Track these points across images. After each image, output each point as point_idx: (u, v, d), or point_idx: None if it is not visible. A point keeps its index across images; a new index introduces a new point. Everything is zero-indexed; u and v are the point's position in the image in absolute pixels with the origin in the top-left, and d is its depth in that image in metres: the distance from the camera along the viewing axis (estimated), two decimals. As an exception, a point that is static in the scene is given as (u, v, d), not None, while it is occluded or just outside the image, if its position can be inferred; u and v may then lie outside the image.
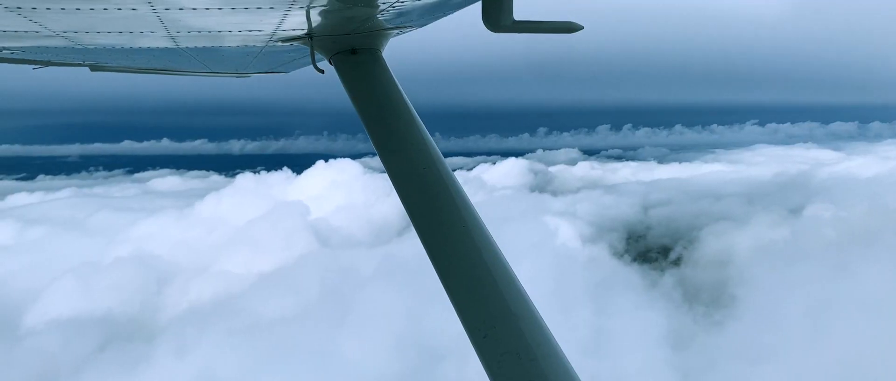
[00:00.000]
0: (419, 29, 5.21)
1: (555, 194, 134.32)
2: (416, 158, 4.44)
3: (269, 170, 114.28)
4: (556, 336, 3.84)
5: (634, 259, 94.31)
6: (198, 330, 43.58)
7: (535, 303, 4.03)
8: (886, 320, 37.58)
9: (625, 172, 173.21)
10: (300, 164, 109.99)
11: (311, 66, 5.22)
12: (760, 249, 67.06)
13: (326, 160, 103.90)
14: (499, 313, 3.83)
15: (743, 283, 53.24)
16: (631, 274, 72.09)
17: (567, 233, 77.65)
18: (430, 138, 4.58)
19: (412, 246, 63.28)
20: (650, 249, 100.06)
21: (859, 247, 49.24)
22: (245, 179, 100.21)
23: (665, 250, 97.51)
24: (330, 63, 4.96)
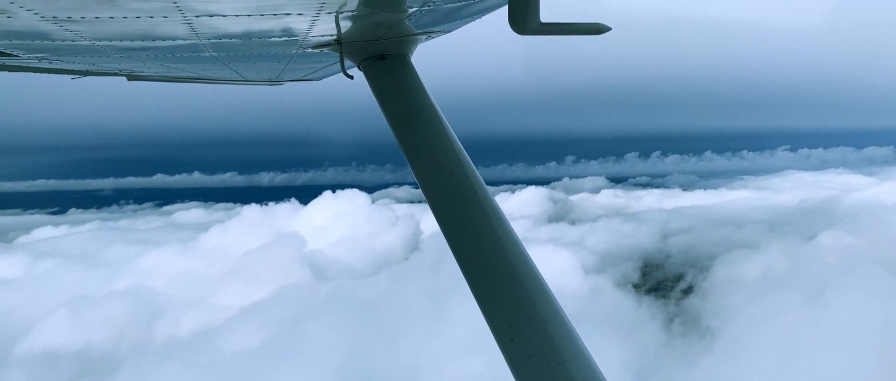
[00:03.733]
0: (447, 34, 5.28)
1: (573, 223, 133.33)
2: (444, 162, 4.46)
3: (299, 200, 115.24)
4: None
5: (650, 289, 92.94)
6: (157, 365, 43.71)
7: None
8: (852, 351, 36.11)
9: (648, 200, 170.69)
10: (314, 195, 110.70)
11: (342, 75, 5.28)
12: (761, 278, 65.22)
13: (334, 191, 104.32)
14: (526, 317, 3.81)
15: (721, 313, 51.68)
16: (624, 304, 70.66)
17: (565, 263, 76.55)
18: (459, 143, 4.61)
19: (395, 278, 63.50)
20: (667, 278, 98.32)
21: (840, 277, 47.54)
22: (251, 210, 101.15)
23: (678, 280, 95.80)
24: (359, 69, 5.01)
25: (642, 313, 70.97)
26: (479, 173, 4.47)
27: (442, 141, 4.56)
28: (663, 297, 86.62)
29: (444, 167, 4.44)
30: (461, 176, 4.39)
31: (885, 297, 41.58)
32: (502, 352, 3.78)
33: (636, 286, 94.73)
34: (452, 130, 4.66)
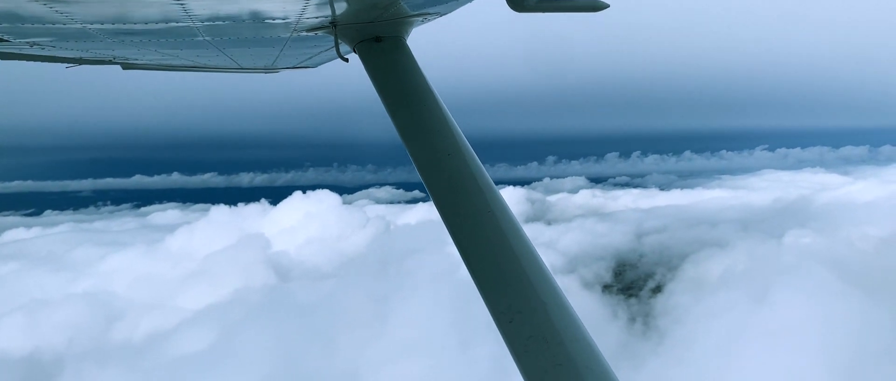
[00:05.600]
0: (444, 16, 5.22)
1: (549, 223, 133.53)
2: (440, 144, 4.44)
3: (276, 201, 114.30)
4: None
5: (621, 289, 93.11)
6: (98, 370, 43.19)
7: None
8: (788, 351, 36.21)
9: (625, 199, 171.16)
10: (286, 195, 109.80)
11: (337, 70, 5.41)
12: (719, 278, 65.35)
13: (304, 191, 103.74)
14: (525, 298, 3.81)
15: (670, 313, 51.74)
16: (587, 305, 70.49)
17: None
18: (456, 125, 4.58)
19: (344, 279, 62.98)
20: (639, 278, 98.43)
21: (786, 277, 47.66)
22: (219, 211, 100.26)
23: (648, 279, 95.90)
24: (355, 52, 4.99)
25: (605, 314, 71.00)
26: (476, 156, 4.44)
27: (439, 124, 4.53)
28: (633, 297, 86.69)
29: (441, 150, 4.40)
30: (458, 159, 4.35)
31: (825, 298, 41.82)
32: (501, 333, 3.77)
33: (608, 287, 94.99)
34: (450, 113, 4.63)
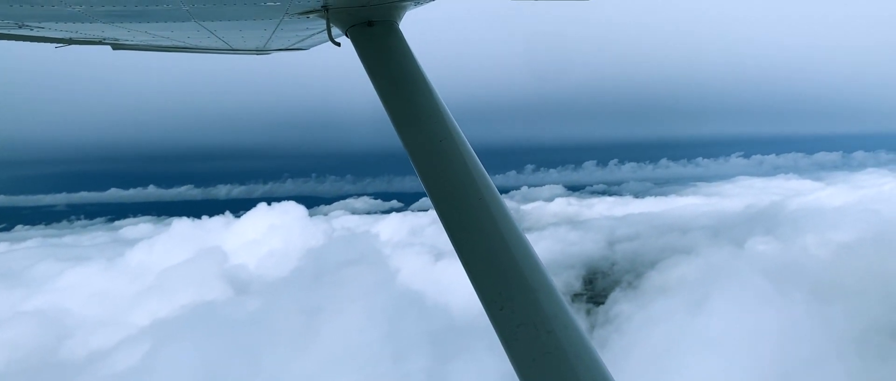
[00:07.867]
0: (436, 1, 5.19)
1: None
2: (432, 130, 4.39)
3: (241, 212, 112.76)
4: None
5: (590, 297, 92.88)
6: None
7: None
8: (719, 356, 36.02)
9: (600, 207, 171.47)
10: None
11: (329, 43, 5.23)
12: (676, 285, 65.13)
13: (270, 203, 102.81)
14: (515, 285, 3.81)
15: (613, 322, 51.50)
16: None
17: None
18: (448, 111, 4.55)
19: (274, 294, 61.80)
20: (609, 286, 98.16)
21: (726, 285, 47.53)
22: (181, 224, 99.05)
23: (615, 287, 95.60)
24: (347, 36, 4.96)
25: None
26: (468, 142, 4.38)
27: (431, 109, 4.47)
28: (601, 305, 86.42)
29: (433, 136, 4.34)
30: (450, 145, 4.30)
31: (757, 306, 41.67)
32: (491, 321, 3.76)
33: (577, 295, 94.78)
34: (442, 99, 4.57)
